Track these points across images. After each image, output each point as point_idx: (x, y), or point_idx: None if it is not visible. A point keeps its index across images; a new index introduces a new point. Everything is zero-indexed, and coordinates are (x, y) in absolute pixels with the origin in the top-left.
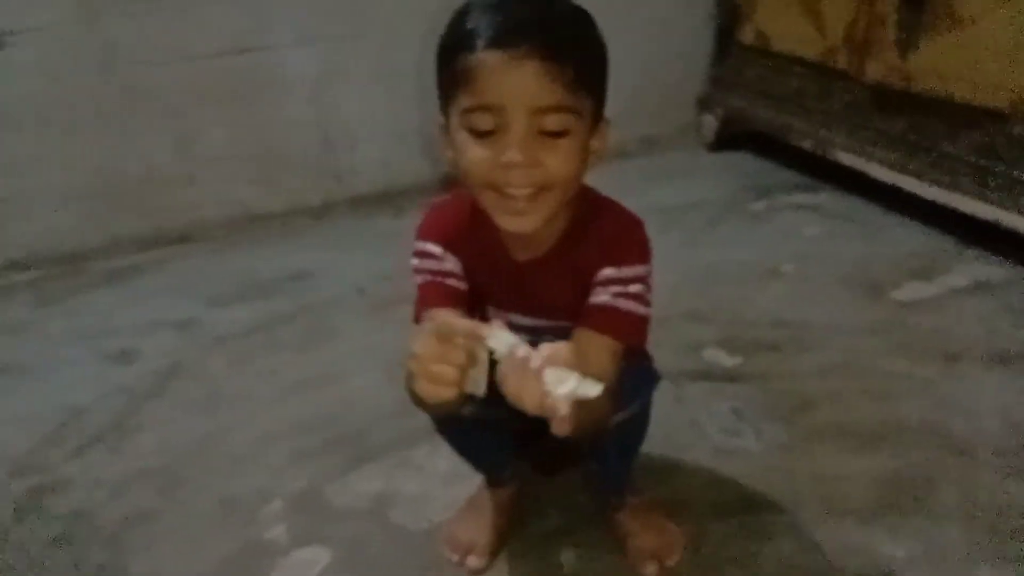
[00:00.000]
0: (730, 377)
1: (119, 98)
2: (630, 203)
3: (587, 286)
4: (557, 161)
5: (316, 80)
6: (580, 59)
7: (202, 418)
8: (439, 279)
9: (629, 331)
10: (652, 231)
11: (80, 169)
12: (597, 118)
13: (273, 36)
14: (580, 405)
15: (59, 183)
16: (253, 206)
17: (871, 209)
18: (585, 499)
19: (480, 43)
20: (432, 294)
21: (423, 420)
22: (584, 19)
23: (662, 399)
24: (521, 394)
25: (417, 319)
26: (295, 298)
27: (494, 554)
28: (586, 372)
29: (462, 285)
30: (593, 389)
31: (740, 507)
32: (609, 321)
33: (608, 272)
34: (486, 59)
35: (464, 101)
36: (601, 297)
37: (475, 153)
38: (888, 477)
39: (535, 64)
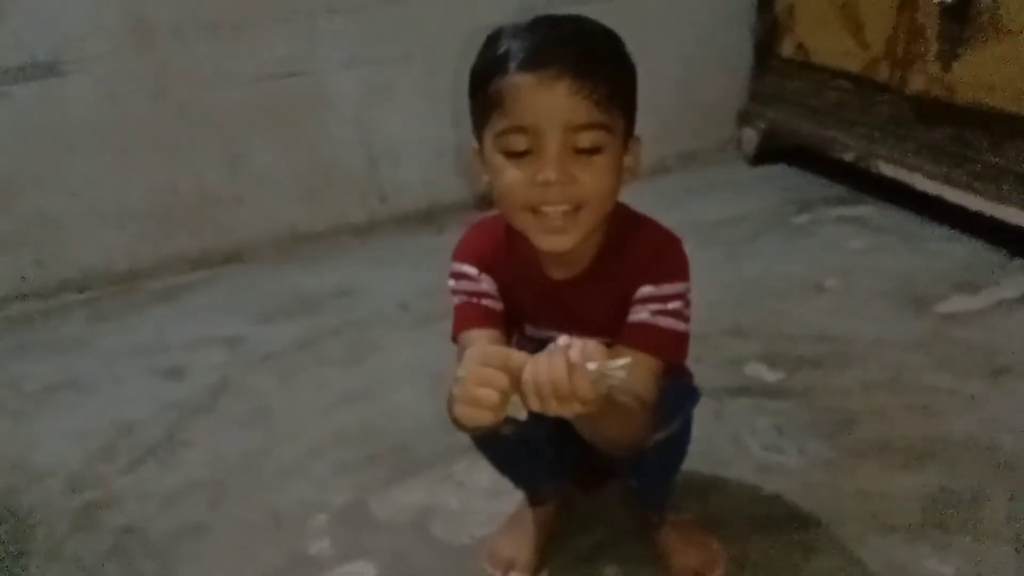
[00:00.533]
0: (772, 393)
1: (172, 121)
2: (671, 218)
3: (625, 304)
4: (592, 177)
5: (360, 102)
6: (611, 76)
7: (250, 432)
8: (475, 300)
9: (669, 349)
10: (692, 246)
11: (134, 190)
12: (628, 135)
13: (319, 60)
14: (611, 404)
15: (113, 204)
16: (300, 225)
17: (915, 221)
18: (626, 514)
19: (512, 65)
20: (468, 315)
21: (464, 435)
22: (613, 39)
23: (703, 415)
24: (549, 377)
25: (454, 339)
26: (340, 314)
27: (535, 571)
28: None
29: (498, 305)
30: (619, 371)
31: (783, 523)
32: (648, 339)
33: (647, 290)
34: (519, 81)
35: (498, 124)
36: (640, 315)
37: (511, 175)
38: (934, 494)
39: (567, 83)
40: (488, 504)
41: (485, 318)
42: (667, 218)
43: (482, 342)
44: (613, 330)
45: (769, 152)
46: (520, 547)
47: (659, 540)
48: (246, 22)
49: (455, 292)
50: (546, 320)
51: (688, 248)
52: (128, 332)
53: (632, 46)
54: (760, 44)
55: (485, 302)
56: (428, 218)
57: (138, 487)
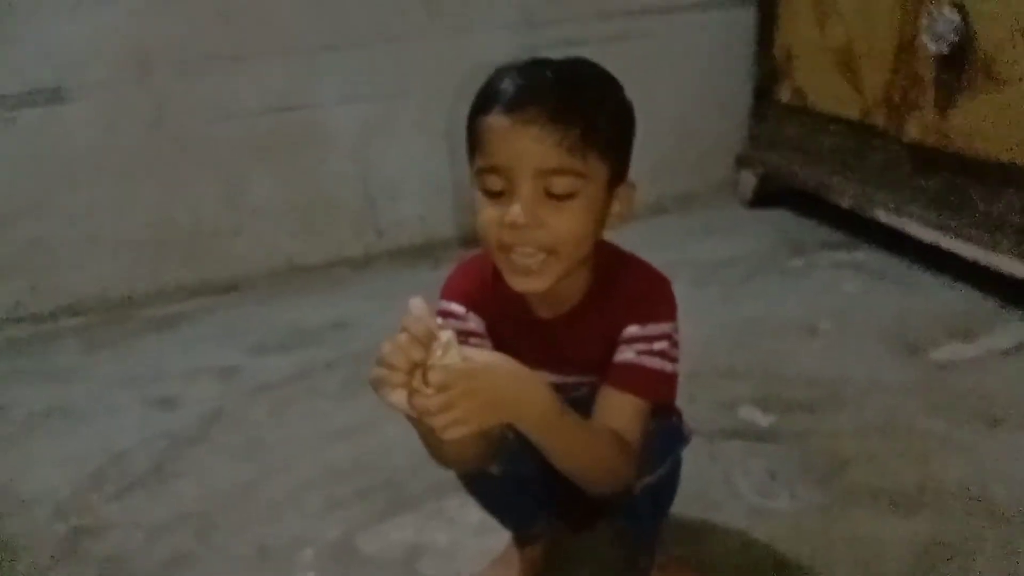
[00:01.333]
0: (765, 436)
1: (170, 151)
2: (667, 258)
3: (612, 343)
4: (562, 223)
5: (359, 136)
6: (589, 122)
7: (241, 464)
8: (463, 339)
9: (654, 389)
10: (688, 286)
11: (131, 218)
12: (617, 181)
13: (318, 94)
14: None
15: (110, 232)
16: (296, 257)
17: (910, 268)
18: (614, 555)
19: (495, 107)
20: None
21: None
22: (606, 83)
23: (696, 456)
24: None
25: None
26: (335, 347)
27: None
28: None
29: (486, 344)
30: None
31: (772, 569)
32: (633, 379)
33: (633, 330)
34: (496, 122)
35: (478, 162)
36: (626, 355)
37: (486, 213)
38: (926, 542)
39: (539, 128)
40: (478, 541)
41: None
42: (663, 258)
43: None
44: (600, 369)
45: (767, 195)
46: None
47: None
48: (246, 56)
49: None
50: (533, 359)
51: (684, 288)
52: (122, 360)
53: (631, 87)
54: (759, 88)
55: (473, 341)
56: (424, 253)
57: (125, 516)
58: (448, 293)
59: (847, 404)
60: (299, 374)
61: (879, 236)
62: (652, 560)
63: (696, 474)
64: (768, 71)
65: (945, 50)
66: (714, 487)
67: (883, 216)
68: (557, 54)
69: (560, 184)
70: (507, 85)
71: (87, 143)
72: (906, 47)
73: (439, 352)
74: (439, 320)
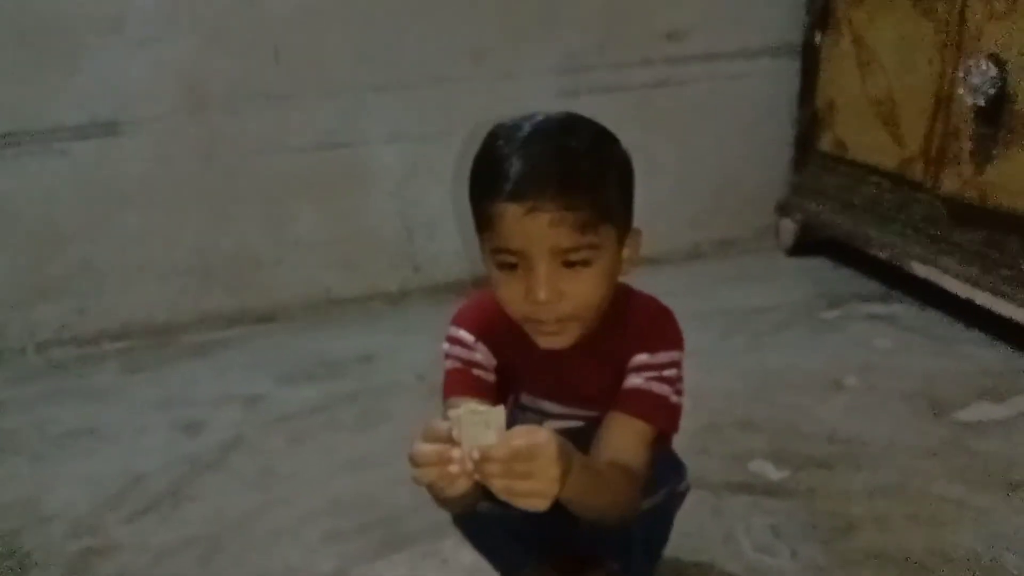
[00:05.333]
0: (774, 491)
1: (219, 183)
2: (697, 305)
3: (620, 375)
4: (581, 292)
5: (401, 174)
6: (595, 199)
7: (253, 492)
8: (466, 368)
9: (661, 415)
10: (716, 335)
11: (178, 247)
12: (625, 232)
13: (364, 132)
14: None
15: (158, 259)
16: (335, 290)
17: (946, 323)
18: None
19: (499, 194)
20: (458, 381)
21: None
22: (605, 145)
23: (699, 509)
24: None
25: (444, 398)
26: (358, 380)
27: None
28: (617, 457)
29: (489, 377)
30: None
31: None
32: (641, 405)
33: (641, 358)
34: (506, 210)
35: (491, 241)
36: (634, 381)
37: (506, 288)
38: None
39: (550, 214)
40: None
41: (473, 387)
42: (696, 305)
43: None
44: (607, 401)
45: (807, 244)
46: None
47: None
48: (296, 94)
49: (448, 356)
50: (541, 390)
51: (710, 336)
52: (157, 384)
53: (672, 133)
54: (800, 137)
55: (476, 371)
56: (459, 289)
57: (137, 538)
58: (459, 320)
59: (863, 463)
60: (320, 405)
61: (916, 290)
62: None
63: (697, 527)
64: (810, 120)
65: (982, 103)
66: (713, 541)
67: (919, 269)
68: (599, 101)
69: (576, 256)
70: (511, 168)
71: (141, 174)
72: (944, 99)
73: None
74: (446, 346)
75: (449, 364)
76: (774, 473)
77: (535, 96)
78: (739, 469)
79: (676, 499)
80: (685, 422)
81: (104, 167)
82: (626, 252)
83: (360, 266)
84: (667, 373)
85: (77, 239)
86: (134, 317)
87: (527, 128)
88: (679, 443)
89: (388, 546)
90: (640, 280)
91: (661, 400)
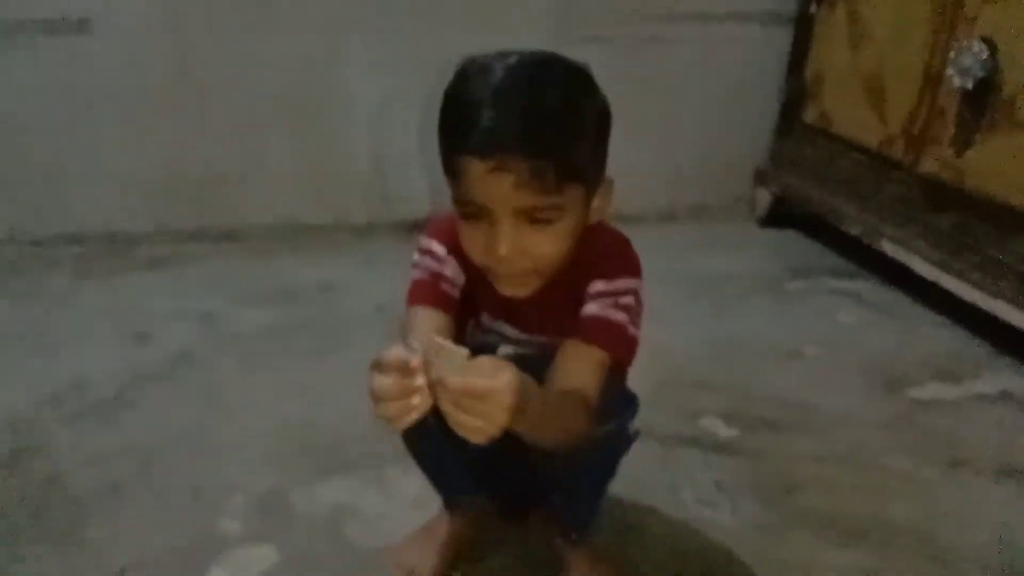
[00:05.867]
0: (722, 448)
1: (190, 96)
2: (665, 267)
3: (579, 304)
4: (544, 247)
5: (378, 104)
6: (564, 159)
7: (196, 407)
8: (434, 280)
9: (616, 342)
10: (681, 298)
11: (143, 157)
12: (596, 185)
13: (343, 58)
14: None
15: (121, 167)
16: (300, 216)
17: (909, 304)
18: (539, 542)
19: (464, 147)
20: (422, 292)
21: (401, 441)
22: (578, 98)
23: (647, 458)
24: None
25: (408, 305)
26: (316, 307)
27: None
28: (569, 384)
29: (454, 292)
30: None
31: None
32: (597, 332)
33: (599, 285)
34: (470, 164)
35: (455, 191)
36: (591, 308)
37: (468, 236)
38: (859, 574)
39: (515, 175)
40: (409, 514)
41: (439, 299)
42: (664, 267)
43: (425, 324)
44: (566, 329)
45: (781, 216)
46: (426, 556)
47: (569, 570)
48: (276, 12)
49: (416, 266)
50: (502, 314)
51: (676, 299)
52: (110, 293)
53: (658, 91)
54: (785, 107)
55: (442, 285)
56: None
57: (73, 441)
58: (433, 232)
59: (813, 430)
60: (275, 329)
61: (884, 268)
62: (582, 537)
63: (643, 475)
64: (797, 90)
65: (969, 85)
66: (657, 491)
67: (889, 249)
68: (587, 51)
69: (540, 215)
70: (478, 120)
71: (110, 77)
72: (933, 79)
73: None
74: (416, 256)
75: (417, 274)
76: (724, 431)
77: (523, 40)
78: (690, 424)
79: (625, 441)
80: (640, 376)
81: (72, 65)
82: (596, 203)
83: (328, 195)
84: (623, 300)
85: (38, 139)
86: (91, 224)
87: (499, 73)
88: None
89: (329, 470)
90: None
91: (617, 328)
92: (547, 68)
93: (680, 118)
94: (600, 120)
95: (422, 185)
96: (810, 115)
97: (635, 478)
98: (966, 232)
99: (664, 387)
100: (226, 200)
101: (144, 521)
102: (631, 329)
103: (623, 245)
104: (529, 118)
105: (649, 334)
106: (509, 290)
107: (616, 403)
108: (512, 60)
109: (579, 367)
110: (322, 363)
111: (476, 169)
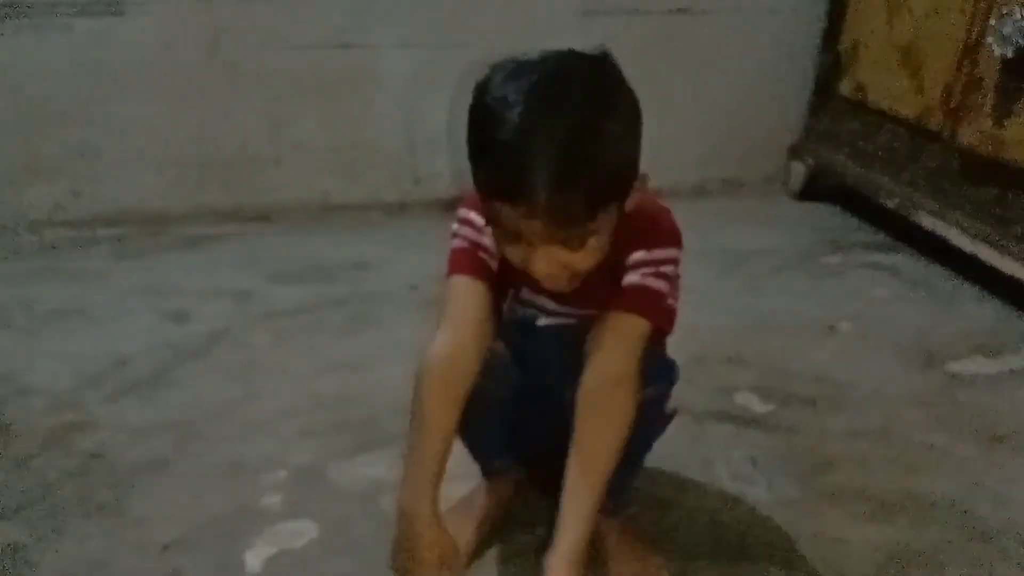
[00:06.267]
0: (756, 424)
1: (222, 75)
2: (698, 243)
3: (619, 275)
4: (582, 262)
5: (409, 83)
6: (590, 194)
7: (234, 383)
8: (473, 249)
9: (657, 310)
10: (715, 273)
11: (176, 137)
12: (628, 194)
13: (374, 35)
14: None
15: (155, 148)
16: (333, 195)
17: (947, 277)
18: None
19: (490, 188)
20: (464, 260)
21: None
22: (605, 117)
23: (681, 434)
24: None
25: (448, 275)
26: (350, 285)
27: (472, 555)
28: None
29: (492, 262)
30: None
31: (732, 554)
32: (638, 300)
33: (639, 255)
34: (500, 206)
35: (488, 212)
36: (631, 278)
37: (507, 251)
38: (896, 549)
39: (543, 218)
40: (445, 488)
41: (479, 268)
42: (696, 243)
43: (464, 294)
44: (605, 301)
45: (816, 190)
46: (461, 530)
47: (602, 545)
48: None
49: (456, 235)
50: (541, 288)
51: (709, 275)
52: (146, 272)
53: (691, 63)
54: (820, 79)
55: (481, 254)
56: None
57: (115, 417)
58: (470, 203)
59: (848, 405)
60: (309, 306)
61: (921, 242)
62: (617, 508)
63: (676, 451)
64: (832, 62)
65: (1010, 53)
66: (692, 466)
67: (927, 222)
68: (616, 24)
69: (573, 242)
70: (501, 164)
71: (142, 58)
72: (971, 48)
73: None
74: (455, 226)
75: (456, 243)
76: (758, 406)
77: (553, 13)
78: (724, 400)
79: (663, 418)
80: (674, 352)
81: (106, 47)
82: (631, 200)
83: (360, 174)
84: (664, 269)
85: (74, 120)
86: (128, 204)
87: (517, 107)
88: None
89: (366, 445)
90: None
91: (657, 295)
92: (567, 89)
93: (713, 91)
94: (630, 132)
95: (453, 163)
96: (845, 87)
97: (670, 454)
98: (1005, 204)
99: (698, 363)
100: (259, 180)
101: (186, 497)
102: (670, 299)
103: (663, 214)
104: (552, 161)
105: (683, 310)
106: (551, 287)
107: (654, 369)
108: (529, 83)
109: (620, 335)
110: (356, 340)
111: (504, 210)
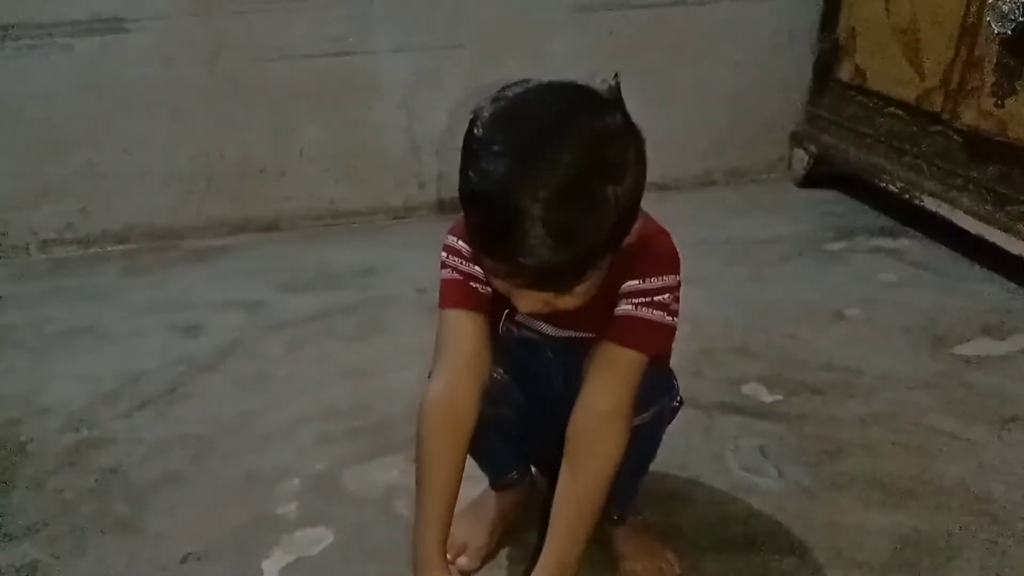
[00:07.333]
0: (765, 414)
1: (223, 88)
2: (703, 233)
3: (613, 299)
4: (569, 303)
5: (409, 87)
6: (580, 259)
7: (247, 394)
8: (464, 280)
9: (651, 341)
10: (720, 262)
11: (182, 152)
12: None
13: (372, 41)
14: None
15: (161, 163)
16: (338, 202)
17: (953, 259)
18: None
19: (477, 243)
20: (455, 293)
21: None
22: (595, 175)
23: (690, 427)
24: None
25: (441, 308)
26: (358, 291)
27: (488, 557)
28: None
29: (485, 290)
30: None
31: (744, 545)
32: (632, 333)
33: (632, 284)
34: (488, 264)
35: (472, 251)
36: (624, 308)
37: (493, 281)
38: (909, 535)
39: (529, 279)
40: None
41: (471, 300)
42: (701, 233)
43: (460, 330)
44: (602, 322)
45: (820, 176)
46: (475, 532)
47: (614, 542)
48: None
49: (445, 266)
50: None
51: (714, 265)
52: (157, 287)
53: (690, 55)
54: (819, 65)
55: (473, 284)
56: None
57: (131, 433)
58: (457, 230)
59: (857, 392)
60: (319, 314)
61: (926, 225)
62: (624, 516)
63: (686, 444)
64: (830, 48)
65: (1009, 31)
66: (702, 459)
67: (931, 204)
68: (615, 17)
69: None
70: (488, 226)
71: (144, 74)
72: (970, 28)
73: None
74: (443, 255)
75: (446, 274)
76: (767, 396)
77: (549, 10)
78: (732, 391)
79: (667, 414)
80: (681, 345)
81: (107, 66)
82: (627, 239)
83: (365, 180)
84: (659, 298)
85: (79, 139)
86: (136, 220)
87: (504, 158)
88: (672, 365)
89: (379, 450)
90: (648, 206)
91: (651, 325)
92: (561, 146)
93: (713, 82)
94: (629, 188)
95: (456, 165)
96: (845, 72)
97: (679, 447)
98: (1010, 183)
99: (705, 354)
100: (265, 190)
101: (203, 509)
102: (667, 319)
103: (660, 239)
104: (536, 228)
105: (689, 301)
106: (536, 317)
107: (654, 389)
108: (520, 135)
109: (615, 368)
110: (367, 346)
111: (493, 265)
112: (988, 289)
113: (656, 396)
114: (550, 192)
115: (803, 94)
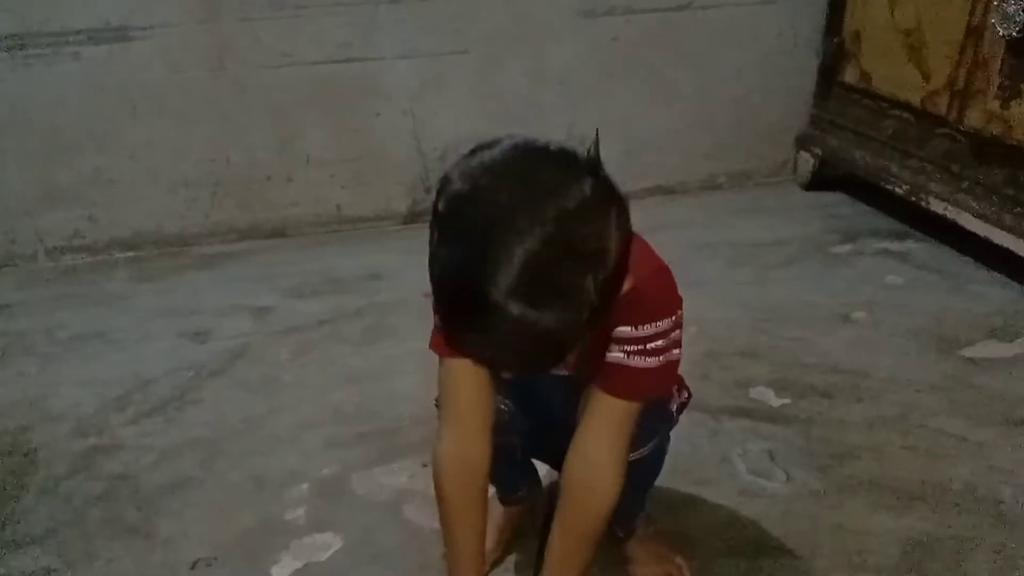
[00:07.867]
0: (772, 417)
1: (230, 95)
2: (708, 236)
3: (606, 341)
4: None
5: (414, 92)
6: (557, 350)
7: (256, 399)
8: None
9: (643, 389)
10: (725, 265)
11: (189, 158)
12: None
13: (377, 47)
14: None
15: (169, 170)
16: (345, 208)
17: (959, 261)
18: None
19: (449, 337)
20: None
21: None
22: (571, 263)
23: (697, 431)
24: None
25: (433, 348)
26: (365, 296)
27: (494, 563)
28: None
29: None
30: None
31: (753, 549)
32: (624, 383)
33: (624, 330)
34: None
35: None
36: (615, 354)
37: None
38: (918, 539)
39: (504, 368)
40: None
41: None
42: (707, 236)
43: (461, 381)
44: (597, 362)
45: (825, 179)
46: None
47: (624, 549)
48: (309, 4)
49: (436, 311)
50: None
51: (719, 267)
52: (165, 293)
53: (694, 59)
54: (824, 68)
55: None
56: None
57: (140, 439)
58: None
59: (864, 395)
60: (326, 319)
61: (932, 227)
62: (630, 532)
63: (694, 448)
64: (835, 51)
65: (1015, 33)
66: (710, 463)
67: (937, 206)
68: (618, 23)
69: None
70: (457, 331)
71: (151, 81)
72: (975, 30)
73: None
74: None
75: (438, 320)
76: (774, 400)
77: (553, 14)
78: (739, 395)
79: (672, 422)
80: (687, 348)
81: (114, 73)
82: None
83: (371, 185)
84: (652, 345)
85: (87, 147)
86: (144, 227)
87: (466, 243)
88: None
89: (388, 455)
90: (653, 209)
91: (643, 374)
92: (527, 228)
93: (718, 85)
94: (611, 272)
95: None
96: (849, 75)
97: (687, 451)
98: (1016, 185)
99: (712, 357)
100: (272, 196)
101: (213, 514)
102: (659, 364)
103: (653, 282)
104: (502, 324)
105: (695, 304)
106: None
107: (652, 424)
108: (486, 217)
109: (606, 418)
110: (374, 350)
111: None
112: (995, 291)
113: (654, 431)
114: (514, 284)
115: (808, 97)
